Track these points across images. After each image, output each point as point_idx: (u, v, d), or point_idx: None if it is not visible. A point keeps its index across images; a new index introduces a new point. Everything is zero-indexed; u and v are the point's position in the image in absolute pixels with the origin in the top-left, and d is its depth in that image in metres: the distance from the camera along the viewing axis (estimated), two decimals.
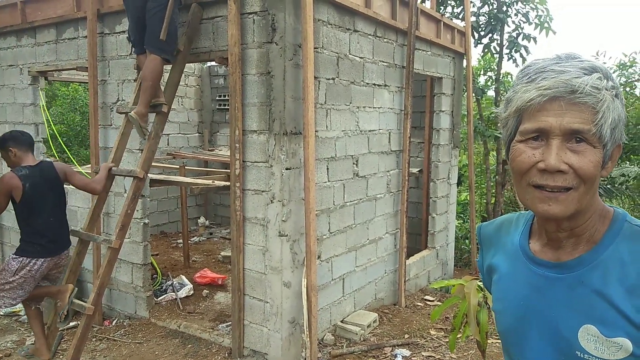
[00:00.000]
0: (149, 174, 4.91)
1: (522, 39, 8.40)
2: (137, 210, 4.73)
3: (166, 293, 5.33)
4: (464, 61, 6.79)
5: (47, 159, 4.14)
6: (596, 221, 0.99)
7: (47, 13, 5.24)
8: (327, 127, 4.33)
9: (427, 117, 6.77)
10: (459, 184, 8.22)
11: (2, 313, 5.27)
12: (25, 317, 5.13)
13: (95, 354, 4.34)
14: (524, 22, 8.37)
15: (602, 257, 0.96)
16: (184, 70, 8.68)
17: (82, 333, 3.45)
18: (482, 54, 8.90)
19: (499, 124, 1.10)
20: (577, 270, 0.98)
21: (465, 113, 7.19)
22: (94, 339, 4.59)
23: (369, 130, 4.94)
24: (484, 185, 9.71)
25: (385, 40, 5.03)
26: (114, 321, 4.98)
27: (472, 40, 7.79)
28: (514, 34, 8.44)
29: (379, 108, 5.06)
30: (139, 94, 3.89)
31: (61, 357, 4.22)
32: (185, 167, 6.57)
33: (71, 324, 4.86)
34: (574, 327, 0.95)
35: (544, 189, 0.93)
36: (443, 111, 6.35)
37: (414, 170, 6.87)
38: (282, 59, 3.80)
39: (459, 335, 1.85)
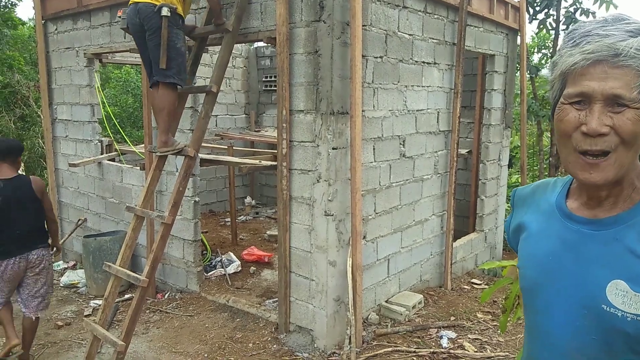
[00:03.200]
0: (199, 154, 5.04)
1: (580, 14, 7.96)
2: (188, 189, 4.87)
3: (215, 269, 5.49)
4: (518, 38, 6.51)
5: (23, 175, 3.93)
6: (635, 180, 1.00)
7: None
8: (374, 106, 4.28)
9: (478, 96, 6.56)
10: (510, 165, 7.96)
11: (62, 285, 5.60)
12: (83, 288, 5.43)
13: (148, 325, 4.55)
14: None
15: (639, 217, 0.97)
16: (233, 52, 8.79)
17: (137, 304, 3.61)
18: (537, 30, 8.52)
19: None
20: (612, 227, 0.99)
21: (519, 92, 6.92)
22: (147, 311, 4.80)
23: (417, 110, 4.85)
24: (536, 167, 9.38)
25: (435, 16, 4.89)
26: (167, 294, 5.20)
27: (527, 16, 7.45)
28: (572, 9, 8.00)
29: (427, 87, 4.94)
30: (159, 120, 3.84)
31: (117, 327, 4.45)
32: (233, 148, 6.68)
33: (126, 296, 5.13)
34: (602, 282, 0.96)
35: (586, 155, 0.95)
36: (495, 90, 6.13)
37: (463, 151, 6.70)
38: (329, 37, 3.76)
39: (509, 318, 1.82)
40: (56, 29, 6.14)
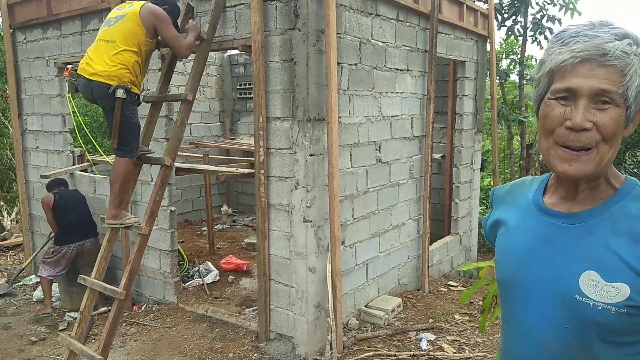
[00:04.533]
0: (175, 163, 4.99)
1: (547, 21, 8.21)
2: (164, 198, 4.80)
3: (193, 279, 5.43)
4: (488, 44, 6.68)
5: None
6: (610, 179, 1.06)
7: (72, 5, 5.32)
8: (350, 113, 4.33)
9: (450, 102, 6.69)
10: (482, 169, 8.13)
11: (35, 299, 5.44)
12: (57, 302, 5.29)
13: (126, 338, 4.47)
14: (548, 4, 8.17)
15: (611, 210, 1.03)
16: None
17: (114, 317, 3.55)
18: (505, 36, 8.74)
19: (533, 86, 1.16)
20: (586, 221, 1.04)
21: (489, 97, 7.09)
22: (124, 324, 4.72)
23: (392, 116, 4.92)
24: (507, 170, 9.59)
25: (407, 24, 4.98)
26: (143, 306, 5.11)
27: (496, 23, 7.65)
28: (538, 16, 8.25)
29: (401, 93, 5.03)
30: (111, 191, 3.72)
31: (93, 341, 4.36)
32: (209, 156, 6.64)
33: (101, 309, 5.02)
34: (576, 273, 1.00)
35: (567, 148, 0.99)
36: (466, 95, 6.27)
37: (437, 155, 6.83)
38: (305, 45, 3.80)
39: (487, 317, 1.86)
40: (25, 38, 6.01)
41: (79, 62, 5.68)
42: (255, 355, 4.03)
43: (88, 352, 3.49)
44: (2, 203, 9.89)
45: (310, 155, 3.87)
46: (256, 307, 4.43)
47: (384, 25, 4.65)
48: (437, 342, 4.18)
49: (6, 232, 8.74)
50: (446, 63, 6.70)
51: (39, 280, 6.05)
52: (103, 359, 3.44)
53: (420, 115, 5.40)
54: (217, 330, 4.45)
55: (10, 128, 9.55)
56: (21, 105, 6.22)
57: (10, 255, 7.43)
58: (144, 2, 3.64)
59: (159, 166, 3.85)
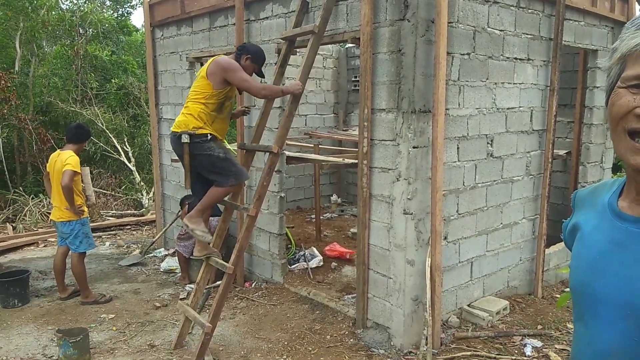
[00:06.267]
0: (286, 152, 5.25)
1: None
2: (274, 184, 5.11)
3: (298, 262, 5.69)
4: None
5: None
6: None
7: (202, 3, 5.81)
8: (459, 104, 4.19)
9: (579, 94, 6.13)
10: (615, 169, 7.34)
11: (161, 270, 6.11)
12: (179, 274, 5.87)
13: (236, 311, 4.83)
14: None
15: None
16: (323, 52, 8.94)
17: (223, 290, 3.87)
18: None
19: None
20: None
21: None
22: (235, 298, 5.11)
23: (508, 108, 4.66)
24: None
25: (529, 10, 4.67)
26: (253, 283, 5.48)
27: (637, 7, 6.81)
28: None
29: (520, 84, 4.73)
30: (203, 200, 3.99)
31: (207, 312, 4.78)
32: (320, 146, 6.85)
33: (217, 282, 5.47)
34: None
35: (638, 138, 0.91)
36: (597, 87, 5.70)
37: (561, 152, 6.31)
38: (413, 35, 3.76)
39: None
40: (162, 35, 6.69)
41: (207, 56, 6.24)
42: (351, 340, 4.12)
43: (200, 320, 3.86)
44: (142, 183, 11.14)
45: (414, 147, 3.83)
46: (355, 295, 4.52)
47: (502, 12, 4.40)
48: (544, 350, 3.92)
49: (144, 209, 9.86)
50: (575, 52, 6.14)
51: (167, 253, 6.78)
52: (212, 327, 3.77)
53: (541, 107, 5.03)
54: (317, 312, 4.63)
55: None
56: (158, 95, 6.95)
57: (145, 230, 8.38)
58: (218, 56, 3.98)
59: (269, 153, 4.09)
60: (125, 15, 15.90)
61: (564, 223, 1.26)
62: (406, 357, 3.91)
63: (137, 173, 11.63)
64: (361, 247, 4.17)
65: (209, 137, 3.84)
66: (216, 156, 3.84)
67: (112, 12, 15.67)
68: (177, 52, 6.43)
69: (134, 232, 8.27)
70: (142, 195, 10.93)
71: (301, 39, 4.51)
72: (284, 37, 4.48)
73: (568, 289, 4.56)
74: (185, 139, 3.77)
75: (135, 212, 9.85)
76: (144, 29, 9.42)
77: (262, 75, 4.13)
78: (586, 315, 1.04)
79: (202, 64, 6.86)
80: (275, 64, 4.76)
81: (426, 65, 3.81)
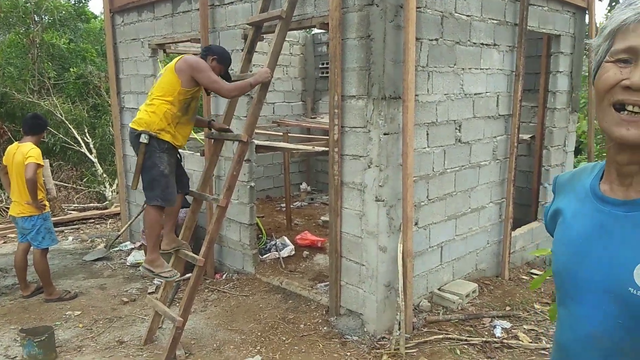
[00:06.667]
0: (255, 140, 5.16)
1: None
2: (244, 174, 5.02)
3: (270, 252, 5.64)
4: (587, 17, 6.12)
5: None
6: None
7: None
8: (428, 90, 4.20)
9: (542, 79, 6.26)
10: (577, 152, 7.56)
11: (128, 264, 5.95)
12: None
13: (207, 303, 4.76)
14: None
15: None
16: (290, 39, 8.81)
17: (194, 282, 3.79)
18: (608, 7, 7.96)
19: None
20: None
21: (586, 74, 6.53)
22: (206, 290, 5.02)
23: (475, 94, 4.70)
24: (605, 153, 8.83)
25: None
26: (224, 275, 5.40)
27: None
28: None
29: (486, 69, 4.78)
30: (146, 235, 3.93)
31: (177, 305, 4.68)
32: (289, 135, 6.78)
33: (186, 275, 5.37)
34: (630, 265, 0.91)
35: (624, 111, 0.90)
36: (561, 72, 5.82)
37: (525, 136, 6.44)
38: (382, 21, 3.72)
39: None
40: (123, 21, 6.45)
41: (170, 43, 6.05)
42: (325, 328, 4.12)
43: (170, 314, 3.77)
44: (104, 175, 10.83)
45: (385, 134, 3.82)
46: (328, 283, 4.51)
47: None
48: (513, 331, 4.01)
49: (107, 202, 9.59)
50: (539, 37, 6.25)
51: (134, 246, 6.61)
52: (183, 320, 3.69)
53: (507, 92, 5.10)
54: (290, 301, 4.60)
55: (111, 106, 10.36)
56: (119, 84, 6.71)
57: (110, 223, 8.15)
58: (185, 54, 3.81)
59: (238, 142, 4.00)
60: (83, 1, 15.28)
61: (545, 208, 1.25)
62: (379, 342, 3.93)
63: (99, 165, 11.28)
64: (333, 235, 4.15)
65: (166, 146, 3.67)
66: (160, 170, 3.67)
67: None
68: (139, 39, 6.21)
69: (98, 226, 8.03)
70: (105, 187, 10.63)
71: (268, 25, 4.42)
72: (250, 23, 4.37)
73: (535, 270, 4.68)
74: (144, 139, 3.59)
75: (99, 205, 9.56)
76: (102, 16, 9.09)
77: (228, 78, 4.01)
78: (570, 299, 1.04)
79: (164, 51, 6.71)
80: (242, 50, 4.65)
81: (395, 51, 3.79)
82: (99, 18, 15.74)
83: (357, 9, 3.86)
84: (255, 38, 4.43)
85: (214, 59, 3.82)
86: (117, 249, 6.54)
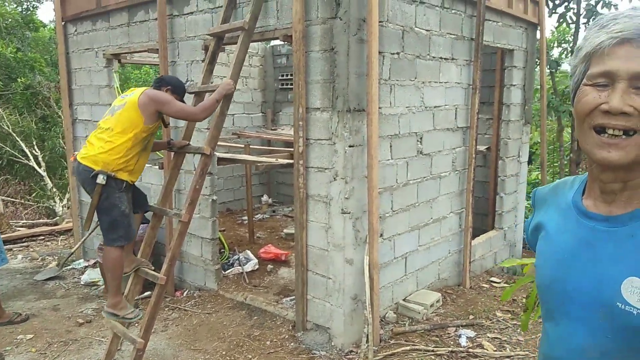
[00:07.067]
0: (216, 153, 5.06)
1: (602, 7, 7.78)
2: (206, 187, 4.90)
3: (233, 267, 5.52)
4: (538, 32, 6.40)
5: None
6: None
7: None
8: (390, 103, 4.25)
9: (497, 92, 6.47)
10: (529, 162, 7.84)
11: (82, 283, 5.69)
12: (102, 287, 5.50)
13: (167, 323, 4.59)
14: None
15: None
16: (249, 50, 8.78)
17: (155, 302, 3.64)
18: (556, 24, 8.35)
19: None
20: (628, 224, 0.96)
21: (539, 87, 6.81)
22: (166, 309, 4.85)
23: (435, 106, 4.80)
24: (556, 164, 9.22)
25: (453, 11, 4.83)
26: (185, 292, 5.24)
27: (547, 10, 7.32)
28: (593, 2, 7.83)
29: (445, 83, 4.89)
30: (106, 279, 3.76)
31: (136, 325, 4.49)
32: (250, 146, 6.70)
33: (145, 293, 5.18)
34: (617, 279, 0.93)
35: (604, 134, 0.93)
36: (514, 85, 6.04)
37: (482, 147, 6.63)
38: (346, 34, 3.74)
39: (531, 315, 1.78)
40: (76, 30, 6.22)
41: (126, 53, 5.88)
42: (292, 344, 4.05)
43: (130, 335, 3.61)
44: (54, 190, 10.37)
45: (350, 146, 3.82)
46: (294, 297, 4.45)
47: (428, 12, 4.52)
48: (477, 339, 4.07)
49: (58, 218, 9.17)
50: (494, 52, 6.47)
51: (88, 264, 6.32)
52: (144, 342, 3.54)
53: (464, 105, 5.24)
54: (255, 318, 4.51)
55: (62, 117, 9.97)
56: (72, 95, 6.45)
57: (61, 240, 7.78)
58: (145, 88, 3.64)
59: (200, 155, 3.90)
60: (31, 9, 14.68)
61: (525, 222, 1.27)
62: (347, 356, 3.90)
63: (48, 179, 10.79)
64: (299, 249, 4.10)
65: (125, 184, 3.53)
66: (121, 211, 3.53)
67: (15, 5, 14.41)
68: (93, 49, 6.00)
69: (49, 243, 7.64)
70: (55, 202, 10.17)
71: (230, 36, 4.36)
72: (211, 34, 4.29)
73: (494, 278, 4.77)
74: (102, 180, 3.41)
75: (49, 221, 9.12)
76: (52, 24, 8.75)
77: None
78: (557, 314, 1.04)
79: (120, 62, 6.51)
80: (203, 61, 4.56)
81: (359, 64, 3.82)
82: (49, 27, 15.17)
83: (321, 22, 3.87)
84: (216, 49, 4.35)
85: (168, 89, 3.70)
86: (70, 267, 6.24)
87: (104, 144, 3.46)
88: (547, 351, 1.09)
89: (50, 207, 10.05)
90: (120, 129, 3.47)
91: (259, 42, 8.86)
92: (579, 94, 0.97)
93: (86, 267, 6.21)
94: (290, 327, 4.27)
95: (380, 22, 3.89)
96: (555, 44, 9.67)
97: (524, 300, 4.83)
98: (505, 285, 5.55)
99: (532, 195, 1.26)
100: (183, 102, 3.87)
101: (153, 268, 3.93)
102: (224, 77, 7.88)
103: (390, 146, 4.30)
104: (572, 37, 8.47)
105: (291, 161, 4.50)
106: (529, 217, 1.27)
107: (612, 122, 0.90)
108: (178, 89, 3.79)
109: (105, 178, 3.41)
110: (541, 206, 1.20)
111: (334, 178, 3.90)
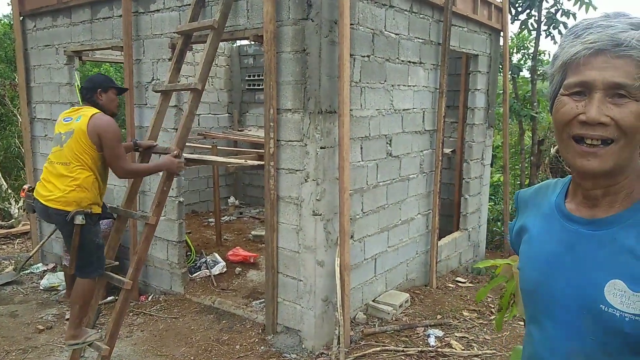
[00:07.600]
0: (185, 154, 4.95)
1: (561, 15, 8.07)
2: (172, 189, 4.78)
3: (200, 270, 5.42)
4: (501, 38, 6.58)
5: None
6: (634, 180, 0.98)
7: None
8: (361, 105, 4.27)
9: (462, 96, 6.61)
10: (492, 164, 8.04)
11: (41, 288, 5.46)
12: (64, 291, 5.30)
13: (132, 328, 4.46)
14: None
15: (638, 215, 0.96)
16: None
17: (121, 307, 3.53)
18: (518, 30, 8.60)
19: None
20: (611, 227, 0.98)
21: (501, 92, 7.00)
22: (131, 314, 4.71)
23: (403, 109, 4.86)
24: (518, 166, 9.48)
25: (421, 16, 4.90)
26: (150, 296, 5.10)
27: (509, 17, 7.53)
28: (553, 10, 8.12)
29: (413, 86, 4.95)
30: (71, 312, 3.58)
31: (100, 330, 4.34)
32: (217, 147, 6.59)
33: (108, 298, 5.02)
34: (601, 282, 0.95)
35: (583, 143, 0.94)
36: (478, 90, 6.19)
37: (447, 150, 6.75)
38: (317, 35, 3.74)
39: (505, 315, 1.82)
40: (35, 26, 5.98)
41: (88, 50, 5.68)
42: (262, 347, 4.00)
43: (95, 343, 3.48)
44: (10, 191, 9.92)
45: (321, 148, 3.82)
46: (263, 300, 4.41)
47: (397, 16, 4.57)
48: (445, 339, 4.14)
49: (14, 220, 8.78)
50: (459, 56, 6.61)
51: (46, 268, 6.08)
52: (109, 349, 3.43)
53: (432, 109, 5.32)
54: (223, 322, 4.44)
55: (18, 116, 9.57)
56: (30, 93, 6.20)
57: (17, 243, 7.45)
58: (90, 113, 3.46)
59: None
60: None
61: (509, 225, 1.28)
62: (318, 358, 3.89)
63: (3, 180, 10.31)
64: (270, 251, 4.07)
65: (97, 217, 3.45)
66: (97, 244, 3.46)
67: None
68: (53, 45, 5.78)
69: (4, 247, 7.30)
70: (10, 204, 9.71)
71: (198, 34, 4.28)
72: (179, 32, 4.20)
73: (459, 278, 4.86)
74: (80, 220, 3.29)
75: (4, 223, 8.71)
76: (8, 20, 8.39)
77: (124, 90, 3.90)
78: (542, 317, 1.06)
79: (81, 59, 6.28)
80: (170, 60, 4.47)
81: (330, 66, 3.82)
82: (3, 22, 14.53)
83: (292, 22, 3.85)
84: (184, 47, 4.26)
85: (101, 92, 3.57)
86: (29, 271, 5.98)
87: (68, 182, 3.33)
88: (531, 354, 1.11)
89: (6, 209, 9.60)
90: (78, 162, 3.36)
91: (226, 42, 8.75)
92: (557, 104, 0.98)
93: (45, 271, 5.97)
94: (260, 331, 4.22)
95: (351, 24, 3.91)
96: (515, 50, 9.96)
97: (490, 299, 4.95)
98: (471, 285, 5.67)
99: (514, 197, 1.27)
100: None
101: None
102: (191, 76, 7.75)
103: (361, 148, 4.32)
104: (534, 43, 8.74)
105: (261, 163, 4.46)
106: (513, 220, 1.29)
107: (590, 133, 0.92)
108: (106, 82, 3.68)
109: (83, 218, 3.32)
110: (524, 209, 1.21)
111: (305, 180, 3.88)
